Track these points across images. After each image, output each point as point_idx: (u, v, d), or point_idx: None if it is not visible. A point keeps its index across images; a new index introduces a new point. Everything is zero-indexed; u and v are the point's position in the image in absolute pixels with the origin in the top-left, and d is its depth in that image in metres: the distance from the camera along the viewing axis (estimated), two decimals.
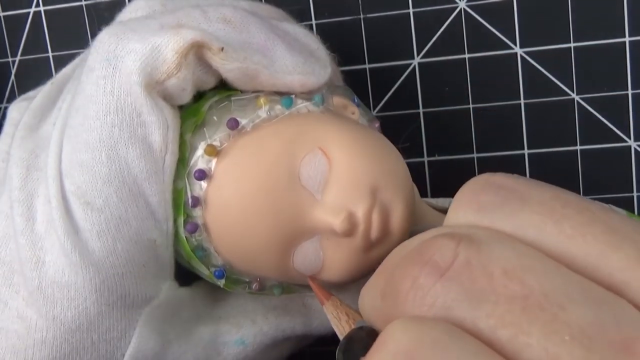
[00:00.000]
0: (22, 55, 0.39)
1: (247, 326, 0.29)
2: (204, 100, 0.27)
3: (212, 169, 0.25)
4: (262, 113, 0.25)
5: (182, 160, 0.26)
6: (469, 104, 0.35)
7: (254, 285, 0.28)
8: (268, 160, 0.25)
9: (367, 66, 0.36)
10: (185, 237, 0.27)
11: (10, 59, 0.40)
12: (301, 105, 0.26)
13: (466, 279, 0.15)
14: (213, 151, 0.25)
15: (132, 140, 0.24)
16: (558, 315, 0.14)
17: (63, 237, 0.24)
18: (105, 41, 0.25)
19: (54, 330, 0.25)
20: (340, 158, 0.25)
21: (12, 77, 0.40)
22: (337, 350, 0.19)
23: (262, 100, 0.26)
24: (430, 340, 0.14)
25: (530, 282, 0.14)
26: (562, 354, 0.13)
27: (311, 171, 0.25)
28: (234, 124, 0.25)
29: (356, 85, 0.35)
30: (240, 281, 0.28)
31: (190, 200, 0.26)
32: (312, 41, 0.28)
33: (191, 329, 0.28)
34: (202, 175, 0.25)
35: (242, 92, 0.27)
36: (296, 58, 0.26)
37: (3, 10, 0.39)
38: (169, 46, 0.24)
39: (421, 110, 0.35)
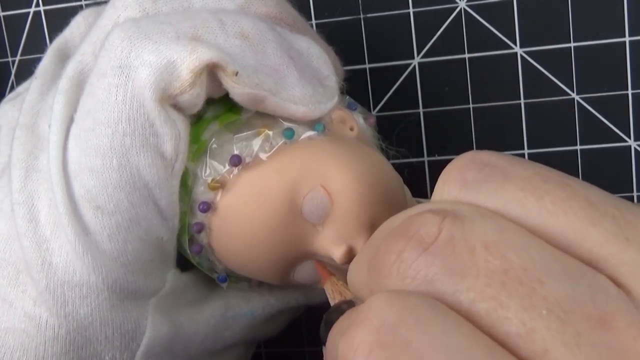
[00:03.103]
0: (22, 55, 0.39)
1: (256, 299, 0.30)
2: (203, 124, 0.26)
3: (216, 201, 0.26)
4: (264, 146, 0.26)
5: (185, 186, 0.26)
6: (469, 104, 0.35)
7: (254, 282, 0.30)
8: (271, 199, 0.25)
9: (367, 66, 0.36)
10: (191, 254, 0.28)
11: (10, 59, 0.40)
12: (303, 136, 0.26)
13: (449, 253, 0.15)
14: (216, 186, 0.26)
15: (144, 148, 0.24)
16: (536, 289, 0.14)
17: (74, 239, 0.25)
18: (117, 45, 0.25)
19: (67, 326, 0.25)
20: (342, 195, 0.26)
21: (12, 77, 0.40)
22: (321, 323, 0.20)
23: (264, 134, 0.26)
24: (414, 315, 0.14)
25: (510, 256, 0.15)
26: (539, 327, 0.14)
27: (313, 207, 0.26)
28: (236, 161, 0.25)
29: (356, 85, 0.35)
30: (242, 278, 0.29)
31: (194, 227, 0.26)
32: (324, 66, 0.28)
33: (201, 309, 0.29)
34: (207, 207, 0.26)
35: (243, 112, 0.26)
36: (305, 89, 0.26)
37: (3, 10, 0.39)
38: (184, 64, 0.24)
39: (421, 110, 0.35)
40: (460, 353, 0.14)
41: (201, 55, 0.24)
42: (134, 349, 0.26)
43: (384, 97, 0.36)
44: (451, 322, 0.14)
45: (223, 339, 0.29)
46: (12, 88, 0.40)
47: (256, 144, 0.26)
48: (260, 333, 0.31)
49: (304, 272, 0.27)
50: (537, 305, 0.14)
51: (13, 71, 0.40)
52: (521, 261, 0.15)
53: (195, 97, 0.24)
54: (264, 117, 0.26)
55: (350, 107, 0.30)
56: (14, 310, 0.25)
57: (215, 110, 0.27)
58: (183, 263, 0.29)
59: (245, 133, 0.26)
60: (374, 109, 0.36)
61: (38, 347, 0.25)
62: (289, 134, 0.26)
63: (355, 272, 0.19)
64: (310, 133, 0.26)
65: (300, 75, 0.26)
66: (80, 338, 0.25)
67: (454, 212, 0.16)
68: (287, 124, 0.26)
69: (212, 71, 0.24)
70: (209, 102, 0.26)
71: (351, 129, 0.28)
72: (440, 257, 0.15)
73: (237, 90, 0.24)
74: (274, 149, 0.26)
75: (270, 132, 0.26)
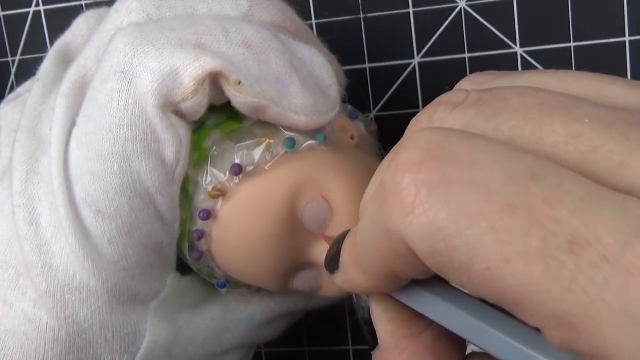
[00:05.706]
0: (22, 55, 0.39)
1: (255, 302, 0.30)
2: (205, 132, 0.26)
3: (217, 209, 0.26)
4: (265, 155, 0.26)
5: (186, 193, 0.26)
6: None
7: (254, 288, 0.30)
8: (272, 208, 0.25)
9: (367, 66, 0.36)
10: (191, 261, 0.28)
11: (10, 59, 0.40)
12: (304, 145, 0.26)
13: (482, 104, 0.16)
14: (217, 195, 0.26)
15: (145, 154, 0.24)
16: (576, 109, 0.15)
17: (75, 243, 0.25)
18: (120, 50, 0.25)
19: (67, 328, 0.25)
20: (342, 205, 0.26)
21: (12, 77, 0.40)
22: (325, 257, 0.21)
23: (265, 144, 0.26)
24: (459, 134, 0.15)
25: (544, 94, 0.16)
26: (586, 132, 0.15)
27: (314, 216, 0.26)
28: (237, 170, 0.25)
29: (356, 85, 0.35)
30: (241, 284, 0.29)
31: (194, 234, 0.26)
32: (327, 76, 0.28)
33: (200, 312, 0.29)
34: (207, 215, 0.26)
35: (245, 120, 0.27)
36: (307, 99, 0.26)
37: (3, 10, 0.39)
38: (187, 72, 0.24)
39: (421, 110, 0.35)
40: (510, 158, 0.14)
41: (205, 64, 0.24)
42: (134, 352, 0.26)
43: (384, 97, 0.36)
44: (497, 141, 0.15)
45: (222, 342, 0.29)
46: (12, 88, 0.40)
47: (257, 153, 0.26)
48: (259, 337, 0.31)
49: (303, 280, 0.28)
50: (579, 118, 0.15)
51: (13, 71, 0.40)
52: (555, 97, 0.16)
53: (197, 105, 0.24)
54: (266, 126, 0.26)
55: (351, 115, 0.30)
56: (14, 312, 0.25)
57: (217, 118, 0.27)
58: (183, 266, 0.29)
59: (246, 142, 0.26)
60: (374, 109, 0.36)
61: (38, 350, 0.25)
62: (290, 144, 0.26)
63: (370, 188, 0.20)
64: (311, 142, 0.26)
65: (302, 85, 0.26)
66: (80, 341, 0.25)
67: (478, 89, 0.17)
68: (288, 134, 0.26)
69: (214, 79, 0.24)
70: (211, 109, 0.26)
71: (352, 138, 0.29)
72: (474, 108, 0.16)
73: (240, 99, 0.24)
74: (275, 158, 0.26)
75: (272, 142, 0.26)
